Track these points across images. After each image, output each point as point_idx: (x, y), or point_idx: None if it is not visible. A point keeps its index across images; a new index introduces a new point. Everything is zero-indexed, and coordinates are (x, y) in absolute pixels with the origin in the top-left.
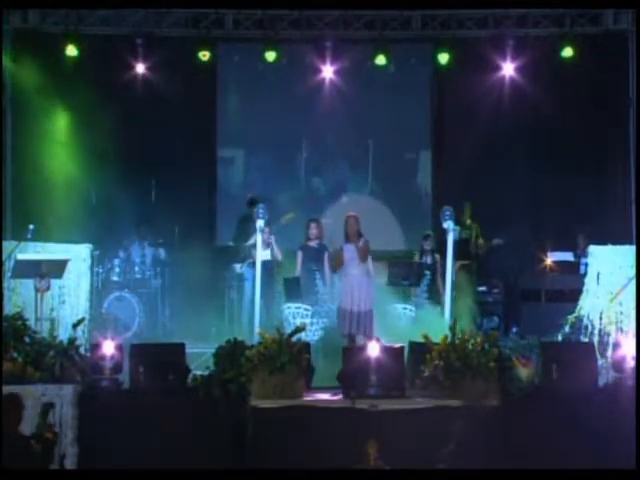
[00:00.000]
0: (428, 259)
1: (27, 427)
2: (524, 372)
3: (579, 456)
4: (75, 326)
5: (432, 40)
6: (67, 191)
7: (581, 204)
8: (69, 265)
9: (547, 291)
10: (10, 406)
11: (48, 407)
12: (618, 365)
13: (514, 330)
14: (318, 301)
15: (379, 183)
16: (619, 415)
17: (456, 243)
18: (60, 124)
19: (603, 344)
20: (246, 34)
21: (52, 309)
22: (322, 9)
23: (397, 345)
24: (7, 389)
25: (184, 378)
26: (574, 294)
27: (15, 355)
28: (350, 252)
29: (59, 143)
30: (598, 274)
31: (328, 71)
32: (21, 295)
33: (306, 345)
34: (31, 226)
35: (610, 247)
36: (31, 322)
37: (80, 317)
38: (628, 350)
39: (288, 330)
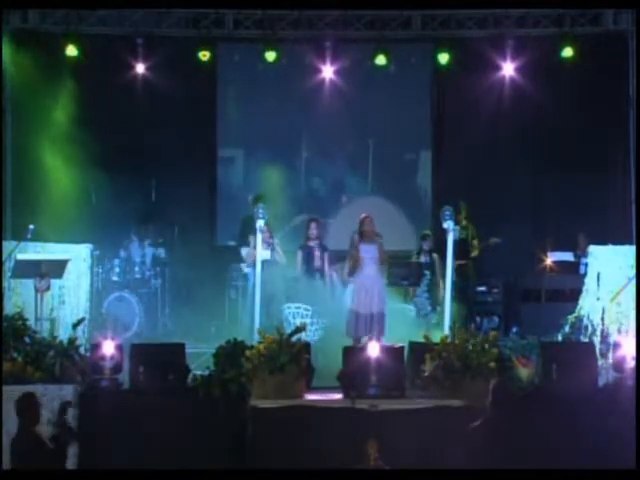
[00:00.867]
0: (426, 259)
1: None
2: (524, 372)
3: (579, 456)
4: (75, 326)
5: (432, 40)
6: (67, 191)
7: (581, 204)
8: (69, 265)
9: (547, 291)
10: (26, 406)
11: (66, 405)
12: (618, 365)
13: (514, 330)
14: (318, 301)
15: (379, 183)
16: (619, 415)
17: (455, 243)
18: (60, 124)
19: (603, 344)
20: (246, 34)
21: (52, 309)
22: (322, 9)
23: (397, 345)
24: (20, 389)
25: (184, 378)
26: (574, 294)
27: (15, 355)
28: (369, 252)
29: (59, 143)
30: (598, 274)
31: (328, 71)
32: (21, 295)
33: (306, 345)
34: (31, 226)
35: (610, 247)
36: (31, 322)
37: (80, 317)
38: (628, 350)
39: (288, 330)
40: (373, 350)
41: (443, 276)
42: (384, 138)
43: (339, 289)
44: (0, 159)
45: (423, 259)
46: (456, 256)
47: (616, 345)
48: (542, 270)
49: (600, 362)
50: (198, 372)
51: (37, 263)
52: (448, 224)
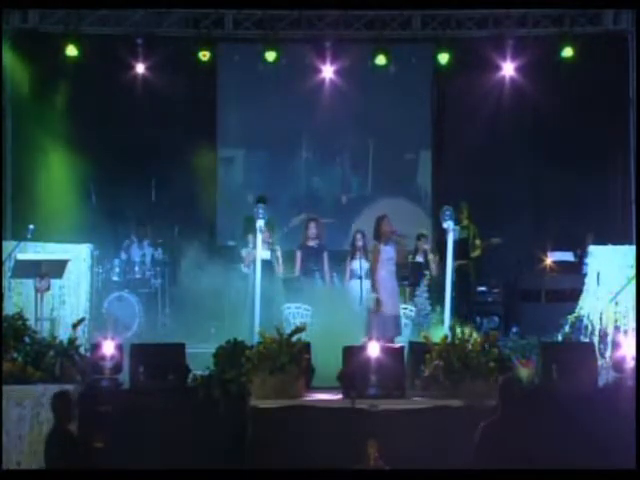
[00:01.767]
0: (423, 259)
1: (26, 427)
2: (524, 372)
3: (579, 456)
4: (75, 326)
5: (432, 40)
6: (67, 191)
7: (581, 204)
8: (69, 265)
9: (547, 291)
10: (60, 404)
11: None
12: (618, 365)
13: (514, 330)
14: (318, 301)
15: (379, 183)
16: (619, 415)
17: (455, 243)
18: (60, 124)
19: (603, 344)
20: (246, 34)
21: (52, 309)
22: (322, 9)
23: (397, 345)
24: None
25: (184, 378)
26: (574, 294)
27: (15, 355)
28: (388, 253)
29: (59, 143)
30: (598, 274)
31: (328, 71)
32: (21, 295)
33: (306, 345)
34: (31, 226)
35: (610, 247)
36: (31, 322)
37: (80, 317)
38: (628, 350)
39: (288, 330)
40: (373, 350)
41: (439, 276)
42: (384, 138)
43: (339, 289)
44: (0, 159)
45: (419, 259)
46: (456, 256)
47: (616, 345)
48: (542, 270)
49: (600, 362)
50: (198, 372)
51: (37, 263)
52: (448, 224)
